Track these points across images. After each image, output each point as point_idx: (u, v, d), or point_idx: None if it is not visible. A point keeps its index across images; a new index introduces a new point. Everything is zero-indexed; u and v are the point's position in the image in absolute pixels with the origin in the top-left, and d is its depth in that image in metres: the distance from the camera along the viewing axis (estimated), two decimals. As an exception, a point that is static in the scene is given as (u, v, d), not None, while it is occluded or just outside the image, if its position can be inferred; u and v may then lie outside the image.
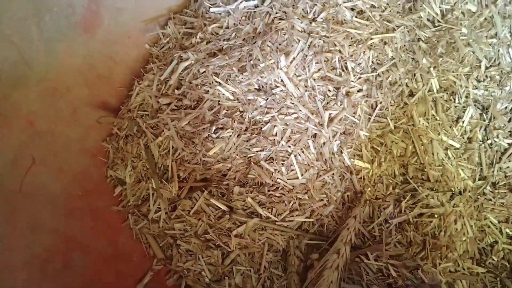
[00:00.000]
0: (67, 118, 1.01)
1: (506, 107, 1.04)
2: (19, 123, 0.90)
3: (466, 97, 1.04)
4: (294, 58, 1.01)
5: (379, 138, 1.04)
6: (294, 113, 0.98)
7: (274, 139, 0.97)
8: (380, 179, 1.03)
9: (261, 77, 1.00)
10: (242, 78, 1.01)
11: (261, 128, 0.98)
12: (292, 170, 0.98)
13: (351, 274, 0.94)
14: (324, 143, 0.99)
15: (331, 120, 0.99)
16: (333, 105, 1.00)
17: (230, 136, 0.98)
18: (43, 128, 0.95)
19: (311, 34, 1.03)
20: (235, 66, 1.01)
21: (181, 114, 1.02)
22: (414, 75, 1.05)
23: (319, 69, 1.02)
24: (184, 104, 1.04)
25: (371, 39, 1.04)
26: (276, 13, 1.08)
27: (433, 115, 1.04)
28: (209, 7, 1.13)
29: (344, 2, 1.07)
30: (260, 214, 0.97)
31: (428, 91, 1.04)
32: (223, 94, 1.00)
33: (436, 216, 0.97)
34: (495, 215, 1.00)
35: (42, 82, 0.94)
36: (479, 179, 1.02)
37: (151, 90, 1.08)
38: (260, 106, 0.99)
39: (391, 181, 1.03)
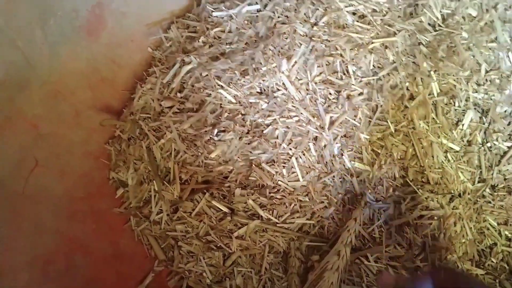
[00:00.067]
0: (70, 121, 1.01)
1: (505, 111, 1.05)
2: (23, 125, 0.90)
3: (466, 100, 1.05)
4: (295, 62, 1.01)
5: (380, 141, 1.05)
6: (296, 116, 0.99)
7: (276, 142, 0.98)
8: (381, 181, 1.03)
9: (263, 80, 1.01)
10: (244, 81, 1.01)
11: (263, 131, 0.99)
12: (293, 173, 0.99)
13: (351, 276, 0.95)
14: (325, 146, 0.99)
15: (332, 123, 1.00)
16: (334, 108, 1.01)
17: (232, 138, 0.98)
18: (46, 131, 0.95)
19: (312, 38, 1.04)
20: (237, 69, 1.02)
21: (183, 117, 1.03)
22: (415, 78, 1.06)
23: (320, 73, 1.03)
24: (186, 107, 1.05)
25: (372, 43, 1.05)
26: (278, 17, 1.09)
27: (433, 118, 1.04)
28: (212, 11, 1.13)
29: (346, 7, 1.08)
30: (261, 216, 0.98)
31: (429, 95, 1.05)
32: (225, 97, 1.01)
33: (435, 218, 0.98)
34: (494, 217, 1.00)
35: (45, 85, 0.94)
36: (479, 182, 1.03)
37: (153, 93, 1.08)
38: (262, 109, 1.00)
39: (391, 184, 1.03)
